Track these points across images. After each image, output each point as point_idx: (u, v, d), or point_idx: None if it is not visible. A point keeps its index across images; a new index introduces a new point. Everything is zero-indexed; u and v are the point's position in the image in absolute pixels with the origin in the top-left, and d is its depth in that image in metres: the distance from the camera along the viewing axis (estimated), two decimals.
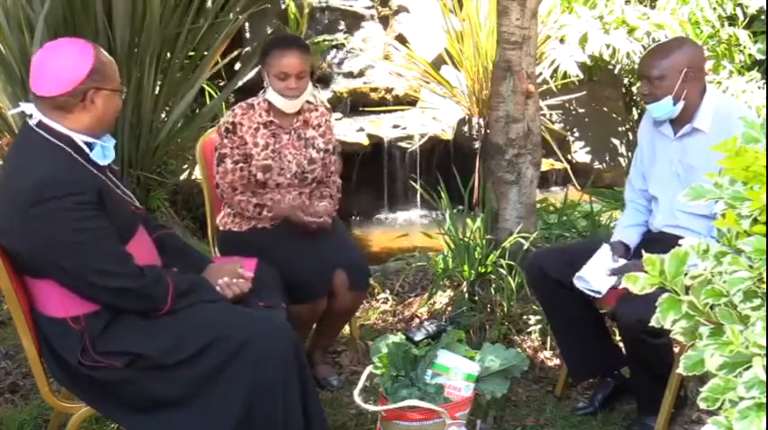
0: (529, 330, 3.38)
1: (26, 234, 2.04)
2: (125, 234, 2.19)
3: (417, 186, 4.53)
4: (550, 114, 6.12)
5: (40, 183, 2.01)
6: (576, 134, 6.40)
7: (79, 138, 2.11)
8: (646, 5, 6.15)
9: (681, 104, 2.60)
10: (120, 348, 2.13)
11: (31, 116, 2.12)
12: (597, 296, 2.63)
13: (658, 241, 2.63)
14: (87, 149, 2.13)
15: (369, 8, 7.08)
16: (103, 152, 2.17)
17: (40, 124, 2.10)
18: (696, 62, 2.62)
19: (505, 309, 3.37)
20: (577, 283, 2.63)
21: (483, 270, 3.46)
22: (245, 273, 2.41)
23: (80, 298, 2.12)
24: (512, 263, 3.39)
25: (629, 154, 6.21)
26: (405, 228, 5.52)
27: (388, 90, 6.48)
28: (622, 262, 2.68)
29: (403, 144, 5.87)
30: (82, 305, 2.12)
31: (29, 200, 2.00)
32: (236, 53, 5.40)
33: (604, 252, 2.69)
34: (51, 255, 2.05)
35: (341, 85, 6.58)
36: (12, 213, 2.04)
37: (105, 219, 2.08)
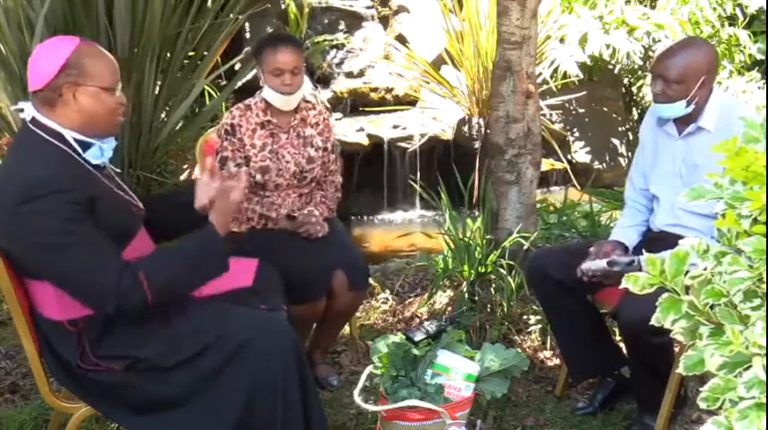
0: (529, 330, 3.38)
1: (17, 234, 2.03)
2: (125, 234, 2.19)
3: (417, 186, 4.52)
4: (550, 114, 6.12)
5: (29, 182, 1.99)
6: (576, 134, 6.40)
7: (70, 136, 2.09)
8: (646, 5, 6.15)
9: (692, 107, 2.59)
10: (118, 352, 2.12)
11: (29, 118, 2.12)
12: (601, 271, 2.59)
13: (659, 240, 2.62)
14: (79, 148, 2.10)
15: (369, 8, 7.08)
16: (101, 152, 2.15)
17: (34, 121, 2.10)
18: (714, 68, 2.61)
19: (505, 309, 3.37)
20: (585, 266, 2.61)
21: (483, 270, 3.46)
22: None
23: (74, 302, 2.11)
24: (512, 263, 3.39)
25: (629, 154, 6.21)
26: (405, 228, 5.52)
27: (388, 90, 6.48)
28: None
29: (403, 144, 5.87)
30: (79, 308, 2.12)
31: (17, 199, 1.98)
32: (238, 56, 5.40)
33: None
34: (40, 256, 2.03)
35: (341, 85, 6.58)
36: (4, 213, 2.03)
37: (93, 223, 2.04)
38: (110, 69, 2.14)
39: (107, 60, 2.15)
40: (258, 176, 2.92)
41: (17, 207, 1.98)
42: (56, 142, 2.08)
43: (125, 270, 2.04)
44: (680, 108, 2.59)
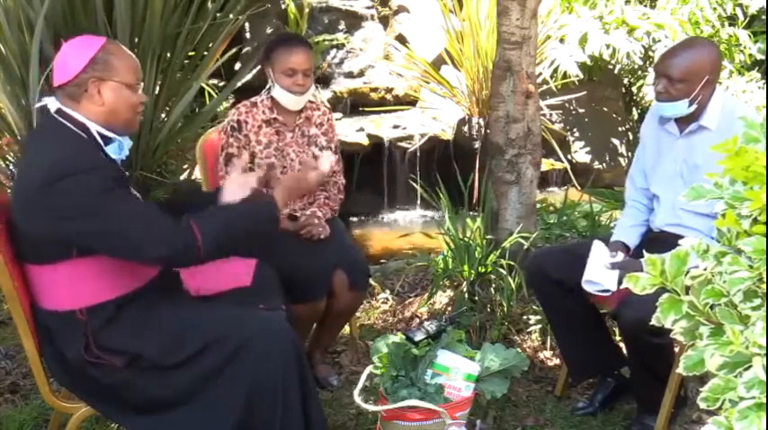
0: (529, 330, 3.38)
1: (47, 211, 2.02)
2: None
3: (417, 186, 4.53)
4: (550, 114, 6.12)
5: (58, 162, 2.03)
6: (576, 134, 6.40)
7: (94, 128, 2.14)
8: (646, 5, 6.16)
9: (694, 107, 2.59)
10: (120, 346, 2.13)
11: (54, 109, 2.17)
12: (608, 295, 2.61)
13: (659, 240, 2.62)
14: (101, 141, 2.15)
15: (369, 8, 7.09)
16: (120, 149, 2.20)
17: (58, 111, 2.15)
18: (717, 68, 2.61)
19: (505, 309, 3.37)
20: (587, 287, 2.61)
21: (483, 270, 3.46)
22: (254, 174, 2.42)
23: (86, 288, 2.12)
24: (512, 263, 3.39)
25: (629, 154, 6.21)
26: (405, 228, 5.52)
27: (388, 90, 6.49)
28: (620, 255, 2.68)
29: (403, 144, 5.87)
30: (87, 296, 2.13)
31: (47, 177, 2.01)
32: (235, 52, 5.40)
33: (598, 248, 2.68)
34: (86, 221, 2.02)
35: (341, 85, 6.59)
36: (30, 193, 2.04)
37: (126, 191, 2.10)
38: (133, 68, 2.21)
39: (131, 59, 2.23)
40: (262, 173, 2.93)
41: (49, 185, 2.00)
42: (79, 132, 2.13)
43: (178, 221, 2.09)
44: (682, 107, 2.59)
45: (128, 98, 2.18)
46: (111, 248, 2.08)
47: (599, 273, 2.60)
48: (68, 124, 2.13)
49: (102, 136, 2.15)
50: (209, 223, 2.12)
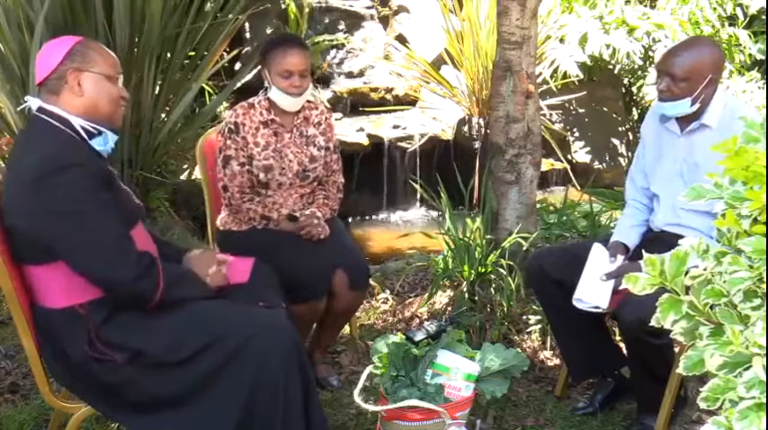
0: (529, 330, 3.38)
1: (34, 208, 2.04)
2: (130, 220, 2.23)
3: (417, 186, 4.53)
4: (550, 114, 6.12)
5: (47, 157, 2.05)
6: (576, 134, 6.40)
7: (77, 122, 2.15)
8: (646, 5, 6.16)
9: (696, 106, 2.59)
10: (122, 342, 2.13)
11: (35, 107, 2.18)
12: (598, 311, 2.61)
13: (659, 240, 2.62)
14: (85, 135, 2.16)
15: (369, 8, 7.09)
16: (105, 142, 2.21)
17: (41, 109, 2.17)
18: (719, 67, 2.61)
19: (505, 309, 3.37)
20: (578, 305, 2.60)
21: (483, 270, 3.46)
22: (222, 257, 2.43)
23: (83, 283, 2.12)
24: (512, 263, 3.39)
25: (629, 154, 6.21)
26: (405, 228, 5.52)
27: (388, 90, 6.49)
28: (620, 259, 2.67)
29: (403, 144, 5.87)
30: (85, 292, 2.13)
31: (36, 173, 2.03)
32: (236, 53, 5.40)
33: (597, 254, 2.67)
34: (63, 224, 2.04)
35: (341, 85, 6.59)
36: (20, 189, 2.06)
37: (110, 196, 2.12)
38: (111, 61, 2.24)
39: (109, 54, 2.25)
40: (261, 175, 2.93)
41: (39, 181, 2.02)
42: (63, 127, 2.14)
43: (144, 252, 2.15)
44: (685, 106, 2.59)
45: (108, 90, 2.20)
46: (80, 252, 2.08)
47: (590, 290, 2.58)
48: (51, 120, 2.14)
49: (85, 130, 2.16)
50: (167, 269, 2.19)
